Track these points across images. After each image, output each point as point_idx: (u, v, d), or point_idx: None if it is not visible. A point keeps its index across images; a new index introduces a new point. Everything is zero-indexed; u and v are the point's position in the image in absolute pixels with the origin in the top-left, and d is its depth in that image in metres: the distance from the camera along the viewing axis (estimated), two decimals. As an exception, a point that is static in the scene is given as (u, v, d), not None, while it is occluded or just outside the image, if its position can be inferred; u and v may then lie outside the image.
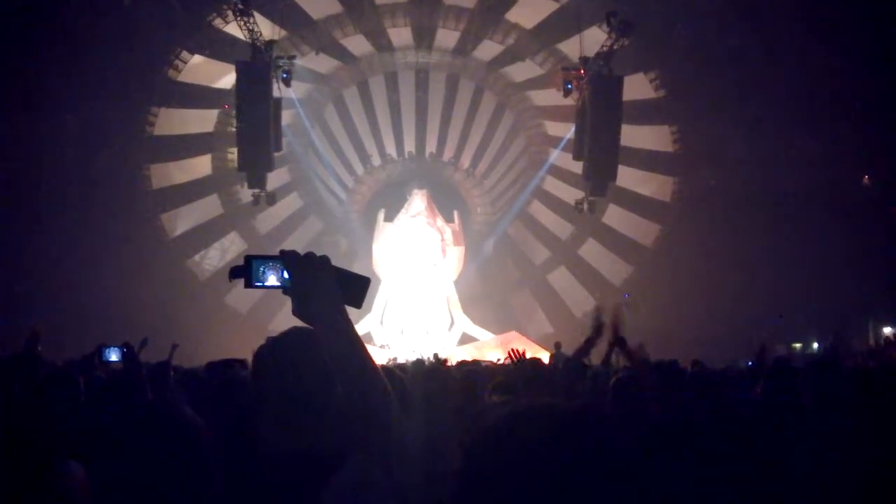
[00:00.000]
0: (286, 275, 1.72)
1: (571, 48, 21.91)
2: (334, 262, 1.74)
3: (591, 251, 26.99)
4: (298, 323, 1.75)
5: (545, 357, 12.65)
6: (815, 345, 21.30)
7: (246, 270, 1.76)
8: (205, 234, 25.16)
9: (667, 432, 2.89)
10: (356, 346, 1.68)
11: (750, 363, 8.20)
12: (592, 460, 1.02)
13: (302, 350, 1.98)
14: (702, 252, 21.79)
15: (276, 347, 2.09)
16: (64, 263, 18.38)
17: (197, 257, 25.09)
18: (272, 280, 1.75)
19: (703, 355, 9.28)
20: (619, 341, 4.38)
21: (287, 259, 1.71)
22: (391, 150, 29.00)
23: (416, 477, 2.10)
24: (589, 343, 4.42)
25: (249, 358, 2.42)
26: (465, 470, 1.09)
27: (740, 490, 2.44)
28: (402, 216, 27.00)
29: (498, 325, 26.52)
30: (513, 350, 4.74)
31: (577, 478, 1.00)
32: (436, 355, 16.80)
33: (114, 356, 4.50)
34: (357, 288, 1.74)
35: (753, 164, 20.47)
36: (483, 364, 8.46)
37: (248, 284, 1.75)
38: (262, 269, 1.75)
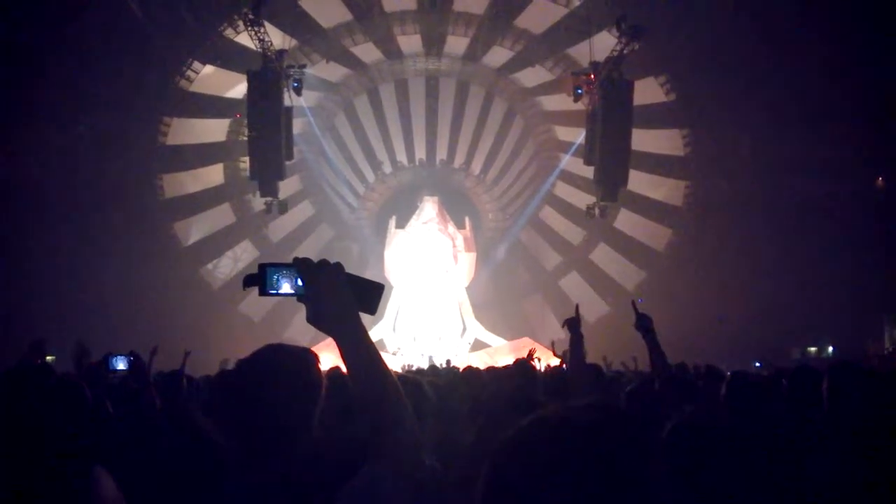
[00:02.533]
0: (300, 282, 1.71)
1: (581, 53, 21.90)
2: (346, 270, 1.72)
3: (603, 256, 26.90)
4: (312, 330, 1.74)
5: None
6: (830, 348, 21.10)
7: (260, 278, 1.74)
8: (217, 243, 25.31)
9: (687, 439, 2.87)
10: (371, 353, 1.66)
11: (758, 364, 8.12)
12: (612, 471, 1.01)
13: (273, 373, 1.86)
14: (714, 256, 21.66)
15: (244, 372, 1.92)
16: (77, 271, 18.52)
17: (210, 265, 25.23)
18: (286, 288, 1.73)
19: (715, 359, 9.22)
20: (576, 337, 4.38)
21: (301, 266, 1.70)
22: (402, 157, 29.08)
23: (430, 483, 2.08)
24: (575, 342, 4.48)
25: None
26: (488, 479, 1.08)
27: (761, 497, 2.41)
28: (414, 223, 27.05)
29: (510, 330, 26.46)
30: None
31: (596, 488, 1.00)
32: (448, 361, 16.83)
33: (121, 365, 4.50)
34: (371, 294, 1.73)
35: (765, 167, 20.35)
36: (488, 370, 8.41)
37: (262, 292, 1.74)
38: (275, 276, 1.74)
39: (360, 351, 1.66)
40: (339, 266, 1.70)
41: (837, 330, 20.28)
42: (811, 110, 18.88)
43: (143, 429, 1.70)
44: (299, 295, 1.71)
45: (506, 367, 6.12)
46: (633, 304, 4.28)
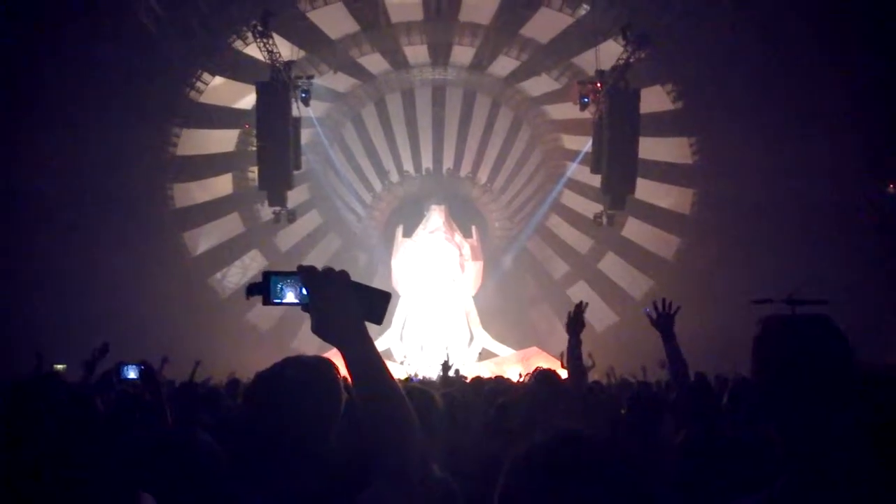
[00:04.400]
0: (304, 291, 1.67)
1: (587, 62, 21.91)
2: (353, 278, 1.68)
3: (611, 265, 26.81)
4: (319, 340, 1.71)
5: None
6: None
7: (264, 287, 1.70)
8: (226, 252, 25.40)
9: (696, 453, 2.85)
10: (377, 365, 1.62)
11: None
12: (625, 490, 1.02)
13: (296, 386, 1.81)
14: (723, 264, 21.54)
15: (266, 384, 1.88)
16: (87, 282, 18.61)
17: (219, 275, 25.30)
18: (290, 297, 1.70)
19: (726, 370, 9.16)
20: (575, 340, 4.25)
21: (305, 275, 1.66)
22: (409, 166, 29.14)
23: (440, 496, 2.06)
24: (573, 345, 4.31)
25: None
26: (501, 497, 1.09)
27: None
28: (421, 232, 27.10)
29: (518, 340, 26.39)
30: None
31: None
32: (456, 371, 16.78)
33: (132, 374, 4.53)
34: (378, 303, 1.68)
35: (774, 175, 20.26)
36: (503, 381, 8.37)
37: (266, 301, 1.70)
38: (279, 285, 1.70)
39: (366, 362, 1.62)
40: (344, 274, 1.66)
41: (850, 338, 20.08)
42: (820, 117, 18.80)
43: (153, 445, 1.68)
44: (304, 304, 1.67)
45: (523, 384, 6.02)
46: (654, 304, 3.99)
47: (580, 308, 4.33)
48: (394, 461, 1.62)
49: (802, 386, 1.45)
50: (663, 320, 3.91)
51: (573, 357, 4.25)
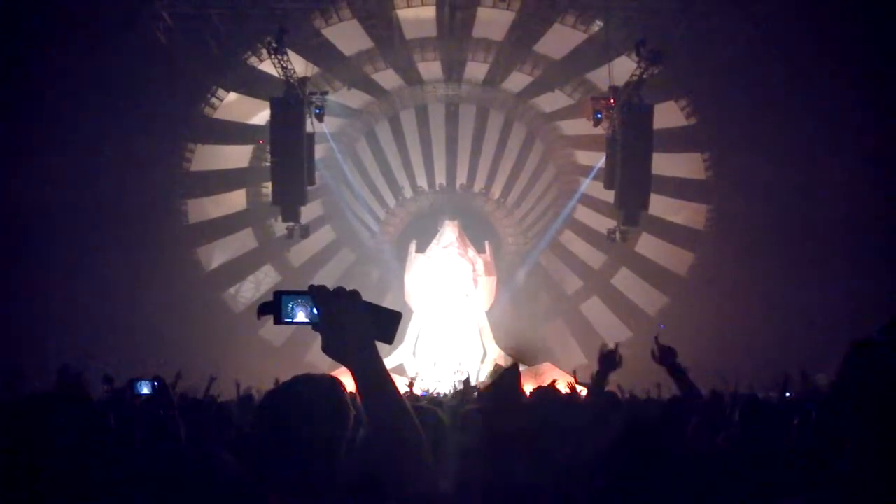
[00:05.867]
0: (315, 311, 1.67)
1: (600, 78, 21.94)
2: (366, 294, 1.69)
3: (625, 281, 26.69)
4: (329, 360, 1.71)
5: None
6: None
7: (275, 306, 1.71)
8: (240, 268, 25.51)
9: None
10: (385, 384, 1.62)
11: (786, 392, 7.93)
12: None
13: (305, 403, 1.83)
14: (737, 280, 21.38)
15: (276, 402, 1.90)
16: (101, 297, 18.75)
17: (232, 290, 25.41)
18: (301, 316, 1.70)
19: (739, 385, 9.06)
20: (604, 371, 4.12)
21: (316, 294, 1.66)
22: (422, 181, 29.22)
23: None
24: (601, 375, 4.20)
25: None
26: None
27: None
28: (434, 247, 27.10)
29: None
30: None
31: None
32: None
33: (145, 389, 4.55)
34: (389, 323, 1.68)
35: (788, 191, 20.14)
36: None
37: (277, 321, 1.71)
38: (290, 305, 1.71)
39: (375, 381, 1.62)
40: (355, 294, 1.67)
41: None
42: (833, 132, 18.70)
43: (166, 461, 1.67)
44: (314, 323, 1.68)
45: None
46: (656, 339, 3.88)
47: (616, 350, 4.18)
48: (402, 478, 1.61)
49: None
50: (666, 353, 3.76)
51: (597, 386, 4.15)
